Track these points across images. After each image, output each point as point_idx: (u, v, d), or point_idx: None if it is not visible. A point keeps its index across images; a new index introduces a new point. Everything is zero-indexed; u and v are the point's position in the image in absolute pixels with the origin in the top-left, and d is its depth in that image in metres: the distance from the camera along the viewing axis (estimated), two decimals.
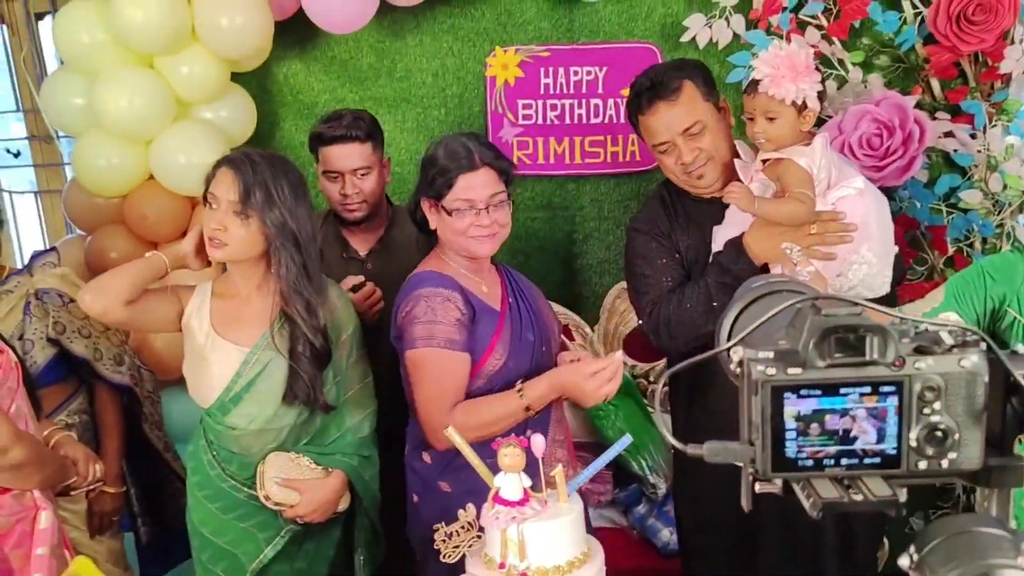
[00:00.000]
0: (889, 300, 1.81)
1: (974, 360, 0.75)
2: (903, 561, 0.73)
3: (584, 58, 2.65)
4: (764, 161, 1.78)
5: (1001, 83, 2.34)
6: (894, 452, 0.75)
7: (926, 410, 0.74)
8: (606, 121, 2.68)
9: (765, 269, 1.77)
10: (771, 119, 1.73)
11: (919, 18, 2.35)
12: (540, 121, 2.69)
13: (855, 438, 0.75)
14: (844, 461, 0.75)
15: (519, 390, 1.74)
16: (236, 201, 1.73)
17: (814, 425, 0.74)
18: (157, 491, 2.35)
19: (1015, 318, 1.43)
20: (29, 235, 3.35)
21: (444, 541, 1.49)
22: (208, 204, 1.79)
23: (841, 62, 2.43)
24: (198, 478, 1.91)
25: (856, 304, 0.76)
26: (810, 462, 0.75)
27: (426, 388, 1.76)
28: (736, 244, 1.78)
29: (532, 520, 1.38)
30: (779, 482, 0.78)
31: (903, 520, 2.52)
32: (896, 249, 1.79)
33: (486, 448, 1.49)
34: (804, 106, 1.71)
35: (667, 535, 2.45)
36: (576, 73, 2.66)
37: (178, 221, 2.60)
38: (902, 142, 2.26)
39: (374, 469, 1.97)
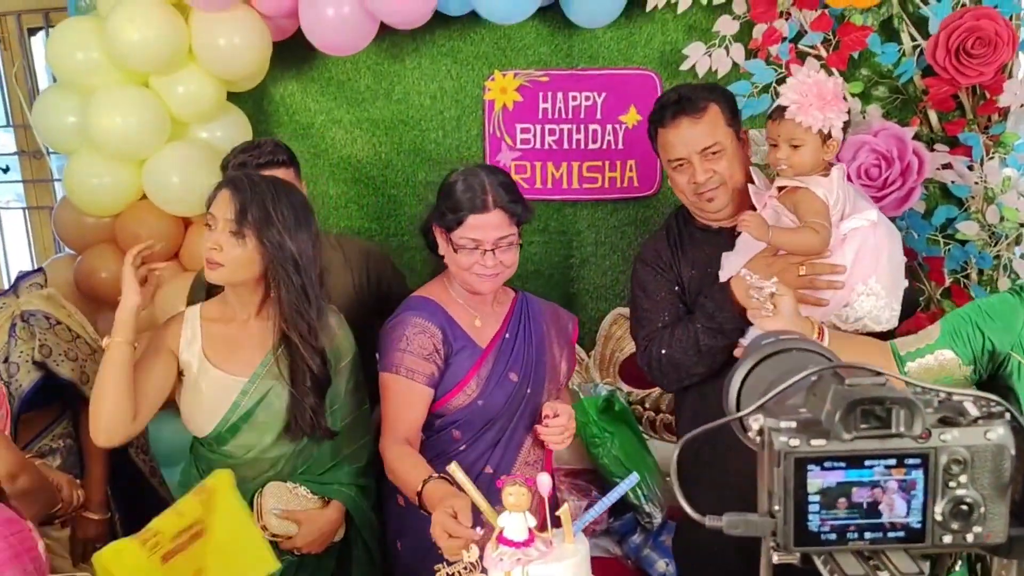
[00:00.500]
0: (890, 333, 1.80)
1: (1000, 432, 0.73)
2: None
3: (583, 83, 2.64)
4: (780, 188, 1.77)
5: (999, 116, 2.35)
6: (919, 525, 0.74)
7: (952, 483, 0.73)
8: (604, 146, 2.66)
9: None
10: (795, 146, 1.72)
11: (918, 50, 2.36)
12: (538, 146, 2.68)
13: (880, 511, 0.73)
14: (868, 535, 0.74)
15: (434, 477, 1.63)
16: (232, 220, 1.71)
17: (841, 499, 0.72)
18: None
19: (1020, 362, 1.42)
20: (16, 251, 3.31)
21: None
22: (207, 225, 1.76)
23: None
24: None
25: (880, 374, 0.74)
26: (833, 535, 0.74)
27: (384, 410, 1.84)
28: (723, 288, 1.76)
29: (537, 562, 1.35)
30: (797, 553, 0.76)
31: None
32: (906, 283, 1.78)
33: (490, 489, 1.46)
34: (829, 135, 1.71)
35: (663, 566, 2.42)
36: (575, 98, 2.64)
37: (171, 241, 2.57)
38: (900, 173, 2.26)
39: (372, 499, 1.95)
